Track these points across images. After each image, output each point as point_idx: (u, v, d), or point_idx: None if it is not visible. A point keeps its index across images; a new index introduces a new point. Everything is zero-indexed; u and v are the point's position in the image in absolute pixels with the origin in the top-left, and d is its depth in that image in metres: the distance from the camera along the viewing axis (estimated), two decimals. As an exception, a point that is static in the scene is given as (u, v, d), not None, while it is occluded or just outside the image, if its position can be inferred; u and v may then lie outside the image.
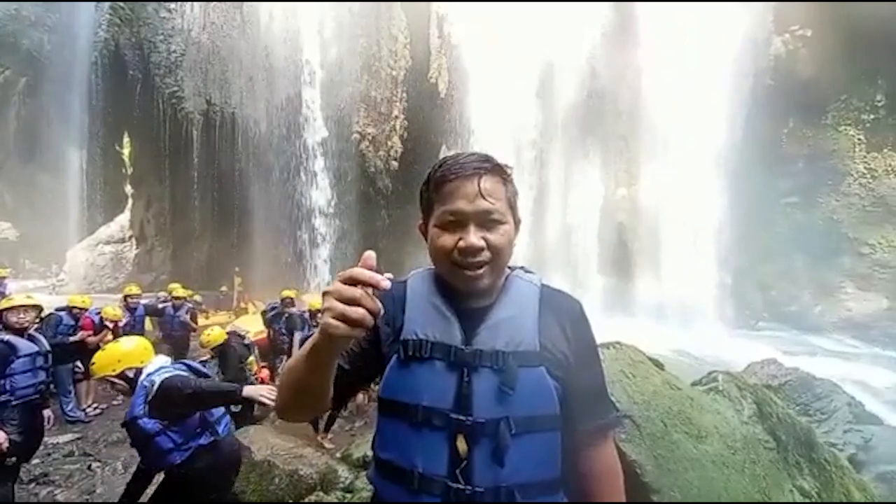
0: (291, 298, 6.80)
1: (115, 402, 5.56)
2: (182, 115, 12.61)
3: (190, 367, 2.38)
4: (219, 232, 13.88)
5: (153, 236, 14.50)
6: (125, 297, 6.56)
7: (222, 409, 2.45)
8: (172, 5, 12.45)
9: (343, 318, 0.60)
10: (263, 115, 13.53)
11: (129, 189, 15.29)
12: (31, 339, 3.20)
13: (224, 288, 12.42)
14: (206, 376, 2.40)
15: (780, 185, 11.24)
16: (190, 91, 12.63)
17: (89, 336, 5.11)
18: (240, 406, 2.32)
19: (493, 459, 0.77)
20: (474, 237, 0.80)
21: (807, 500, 2.05)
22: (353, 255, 13.05)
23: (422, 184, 0.88)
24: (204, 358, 4.63)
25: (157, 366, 2.26)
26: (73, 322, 5.23)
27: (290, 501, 3.14)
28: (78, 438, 4.82)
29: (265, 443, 3.50)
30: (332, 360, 0.71)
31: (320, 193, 14.13)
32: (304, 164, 13.96)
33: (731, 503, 1.84)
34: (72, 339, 5.03)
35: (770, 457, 2.10)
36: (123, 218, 14.83)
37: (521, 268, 0.95)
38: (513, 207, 0.87)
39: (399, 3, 14.17)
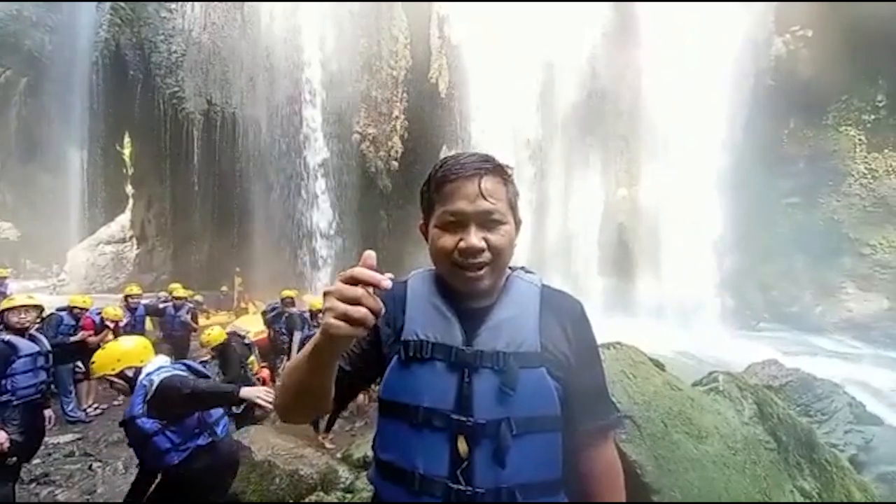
0: (292, 298, 6.79)
1: (115, 403, 5.57)
2: (183, 115, 12.62)
3: (190, 368, 2.38)
4: (219, 232, 13.89)
5: (154, 236, 14.51)
6: (126, 297, 6.56)
7: (221, 410, 2.44)
8: (173, 5, 12.47)
9: (345, 317, 0.60)
10: (264, 116, 13.54)
11: (129, 189, 15.30)
12: (32, 339, 3.20)
13: (224, 288, 12.42)
14: (205, 377, 2.40)
15: (781, 186, 11.23)
16: (191, 91, 12.64)
17: (90, 336, 5.11)
18: (241, 406, 2.32)
19: (494, 460, 0.77)
20: (475, 238, 0.80)
21: (807, 501, 2.04)
22: (354, 254, 13.05)
23: (422, 184, 0.88)
24: (204, 358, 4.63)
25: (157, 365, 2.26)
26: (73, 322, 5.24)
27: (291, 501, 3.14)
28: (79, 438, 4.83)
29: (266, 443, 3.50)
30: (333, 361, 0.71)
31: (321, 215, 14.12)
32: (306, 183, 13.96)
33: (732, 503, 1.84)
34: (72, 339, 5.03)
35: (771, 457, 2.10)
36: (124, 218, 14.84)
37: (522, 268, 0.94)
38: (513, 208, 0.86)
39: (400, 4, 14.18)
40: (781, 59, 11.06)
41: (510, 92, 13.04)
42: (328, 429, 4.73)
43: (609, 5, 12.43)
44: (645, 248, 12.22)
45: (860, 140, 10.57)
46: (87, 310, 5.41)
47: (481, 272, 0.81)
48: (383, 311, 0.63)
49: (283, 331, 6.37)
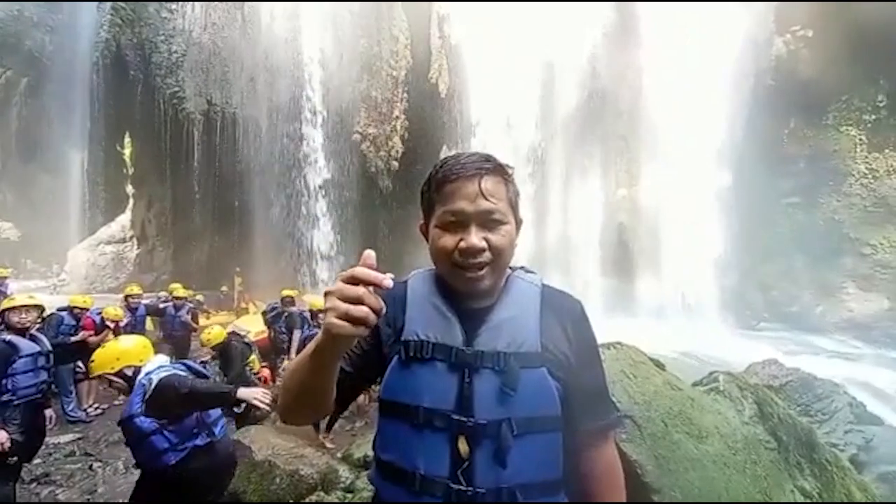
0: (292, 297, 6.80)
1: (116, 402, 5.57)
2: (183, 115, 12.63)
3: (189, 368, 2.37)
4: (219, 232, 13.90)
5: (154, 236, 14.52)
6: (126, 297, 6.57)
7: (219, 410, 2.43)
8: (173, 6, 12.48)
9: (347, 317, 0.60)
10: (264, 116, 13.55)
11: (130, 189, 15.30)
12: (33, 338, 3.20)
13: (225, 288, 12.43)
14: (204, 377, 2.39)
15: (782, 186, 11.21)
16: (191, 91, 12.65)
17: (90, 336, 5.11)
18: (242, 406, 2.32)
19: (494, 460, 0.77)
20: (475, 238, 0.79)
21: (808, 501, 2.04)
22: (354, 254, 13.05)
23: (423, 184, 0.88)
24: (205, 358, 4.63)
25: (156, 364, 2.25)
26: (74, 322, 5.25)
27: (291, 501, 3.14)
28: (79, 438, 4.83)
29: (266, 443, 3.50)
30: (335, 361, 0.71)
31: (321, 224, 14.16)
32: (307, 203, 13.98)
33: (732, 503, 1.84)
34: (73, 339, 5.03)
35: (771, 457, 2.10)
36: (124, 218, 14.85)
37: (522, 268, 0.94)
38: (514, 207, 0.86)
39: (400, 4, 14.18)
40: (782, 59, 11.05)
41: (510, 92, 13.03)
42: (329, 429, 4.72)
43: (609, 5, 12.42)
44: (645, 248, 12.21)
45: (861, 140, 10.56)
46: (87, 310, 5.42)
47: (482, 272, 0.81)
48: (385, 310, 0.63)
49: (284, 330, 6.38)
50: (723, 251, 11.38)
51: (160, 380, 2.13)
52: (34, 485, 3.87)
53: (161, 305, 7.19)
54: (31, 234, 17.52)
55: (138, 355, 2.31)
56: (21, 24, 14.27)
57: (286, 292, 6.91)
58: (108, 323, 5.32)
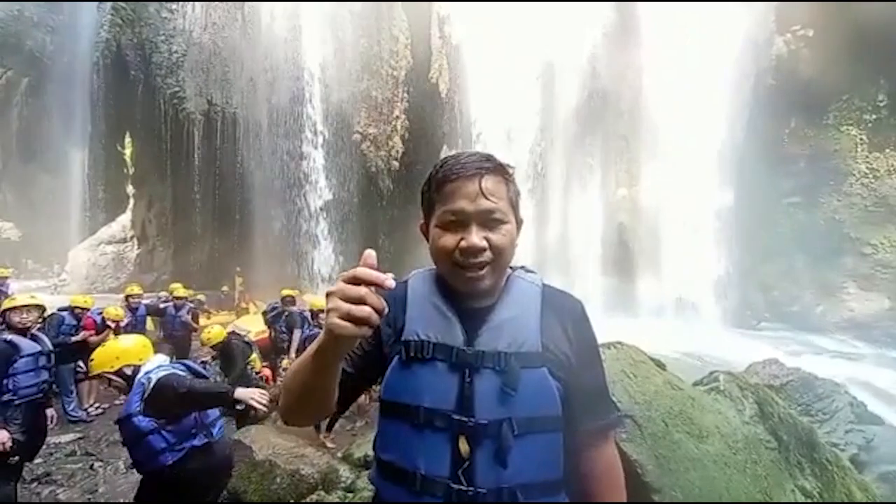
0: (292, 297, 6.79)
1: (116, 402, 5.57)
2: (183, 115, 12.64)
3: (189, 368, 2.38)
4: (220, 232, 13.91)
5: (155, 236, 14.53)
6: (127, 296, 6.58)
7: (217, 410, 2.43)
8: (174, 6, 12.49)
9: (349, 317, 0.60)
10: (265, 116, 13.56)
11: (130, 189, 15.32)
12: (34, 338, 3.21)
13: (225, 288, 12.43)
14: (203, 377, 2.39)
15: (782, 185, 11.20)
16: (191, 91, 12.66)
17: (91, 336, 5.12)
18: (243, 406, 2.32)
19: (495, 460, 0.77)
20: (476, 237, 0.79)
21: (808, 501, 2.04)
22: (355, 254, 13.05)
23: (423, 184, 0.88)
24: (205, 358, 4.64)
25: (156, 364, 2.26)
26: (75, 322, 5.26)
27: (292, 501, 3.15)
28: (80, 438, 4.84)
29: (266, 442, 3.50)
30: (337, 362, 0.71)
31: (318, 197, 14.16)
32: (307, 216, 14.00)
33: (733, 503, 1.84)
34: (74, 338, 5.04)
35: (771, 457, 2.10)
36: (125, 218, 14.86)
37: (522, 267, 0.94)
38: (515, 207, 0.86)
39: (400, 4, 14.18)
40: (782, 58, 11.04)
41: (510, 92, 13.03)
42: (329, 428, 4.73)
43: (609, 5, 12.41)
44: (645, 248, 12.21)
45: (861, 139, 10.55)
46: (88, 310, 5.43)
47: (482, 272, 0.81)
48: (386, 310, 0.63)
49: (284, 330, 6.37)
50: (723, 251, 11.38)
51: (159, 379, 2.13)
52: (35, 484, 3.87)
53: (161, 305, 7.20)
54: (32, 234, 17.54)
55: (138, 354, 2.32)
56: (21, 25, 14.30)
57: (286, 292, 6.91)
58: (108, 323, 5.33)
